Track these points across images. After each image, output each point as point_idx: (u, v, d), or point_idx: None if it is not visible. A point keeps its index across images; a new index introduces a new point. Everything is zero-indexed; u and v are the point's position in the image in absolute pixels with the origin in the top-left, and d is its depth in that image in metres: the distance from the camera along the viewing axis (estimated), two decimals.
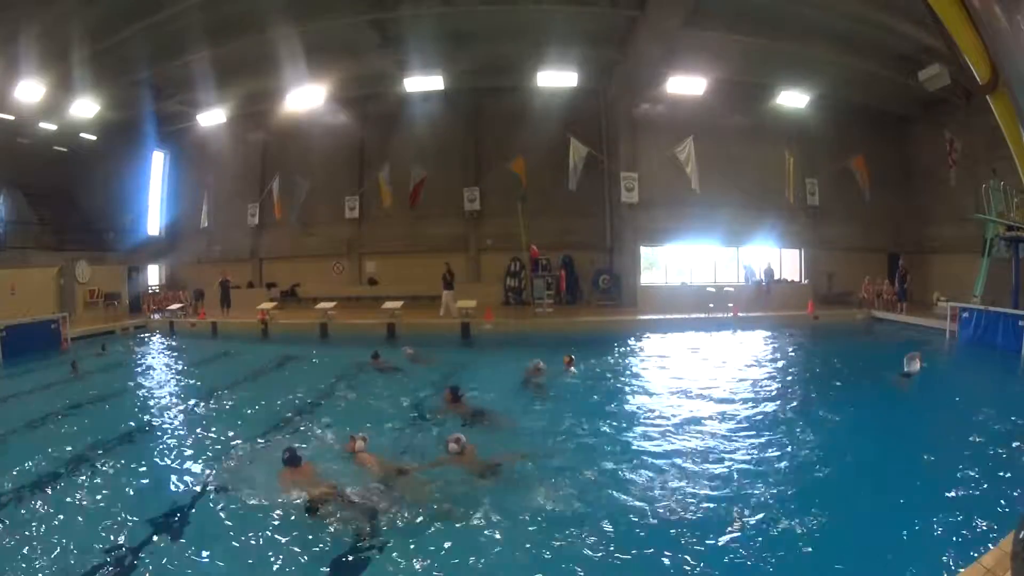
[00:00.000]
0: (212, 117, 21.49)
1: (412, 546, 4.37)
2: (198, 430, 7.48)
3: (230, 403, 9.04)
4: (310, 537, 4.52)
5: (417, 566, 4.13)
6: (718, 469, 5.74)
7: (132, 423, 7.86)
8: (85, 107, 18.54)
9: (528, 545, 4.37)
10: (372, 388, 9.69)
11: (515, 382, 9.39)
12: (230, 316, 18.09)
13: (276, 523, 4.73)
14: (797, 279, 21.07)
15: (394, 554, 4.29)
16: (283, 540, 4.48)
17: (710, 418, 7.49)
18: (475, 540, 4.44)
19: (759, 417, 7.57)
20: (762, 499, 5.06)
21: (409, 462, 5.97)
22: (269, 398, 9.04)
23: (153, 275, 24.16)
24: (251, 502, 5.12)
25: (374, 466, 5.70)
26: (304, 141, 21.63)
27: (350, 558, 4.28)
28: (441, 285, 17.35)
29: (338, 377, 10.45)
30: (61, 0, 13.72)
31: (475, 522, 4.67)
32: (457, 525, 4.63)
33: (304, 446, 6.24)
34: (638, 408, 8.25)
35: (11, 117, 17.62)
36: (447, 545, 4.38)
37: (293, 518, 4.80)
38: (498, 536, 4.48)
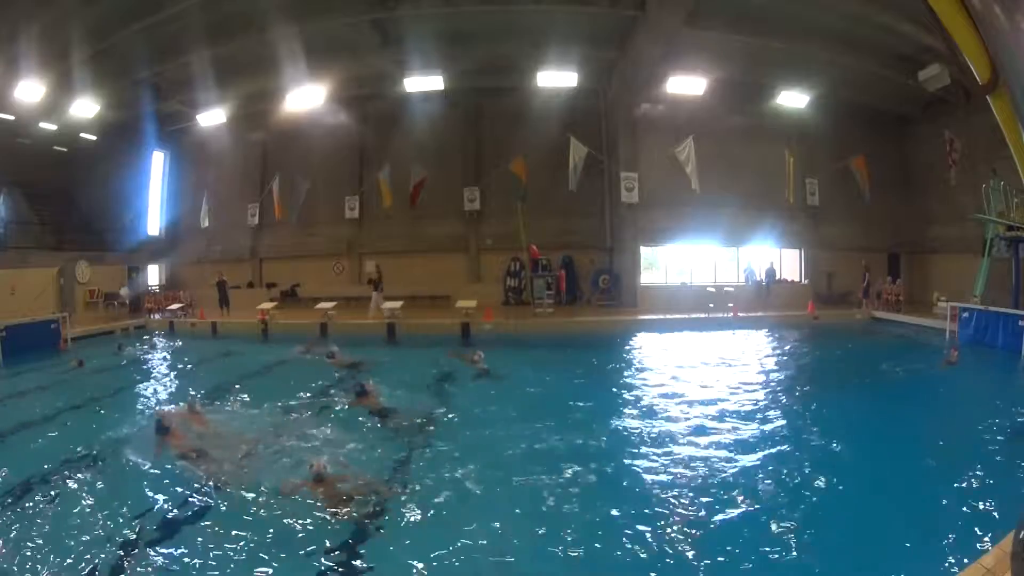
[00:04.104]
0: (212, 117, 21.45)
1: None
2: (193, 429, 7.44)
3: (227, 402, 9.01)
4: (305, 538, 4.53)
5: None
6: (715, 469, 5.72)
7: (129, 423, 7.83)
8: (85, 107, 18.52)
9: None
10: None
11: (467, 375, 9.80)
12: (230, 316, 18.08)
13: (275, 521, 4.74)
14: (797, 279, 21.08)
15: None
16: (279, 539, 4.48)
17: (708, 418, 7.46)
18: None
19: (758, 416, 7.56)
20: (761, 498, 5.05)
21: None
22: (265, 397, 9.00)
23: (153, 275, 24.15)
24: (249, 500, 5.12)
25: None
26: (304, 141, 21.63)
27: None
28: (371, 286, 17.60)
29: (330, 381, 10.35)
30: (61, 0, 13.73)
31: None
32: None
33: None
34: (632, 407, 8.20)
35: (11, 117, 17.62)
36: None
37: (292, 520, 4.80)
38: None
